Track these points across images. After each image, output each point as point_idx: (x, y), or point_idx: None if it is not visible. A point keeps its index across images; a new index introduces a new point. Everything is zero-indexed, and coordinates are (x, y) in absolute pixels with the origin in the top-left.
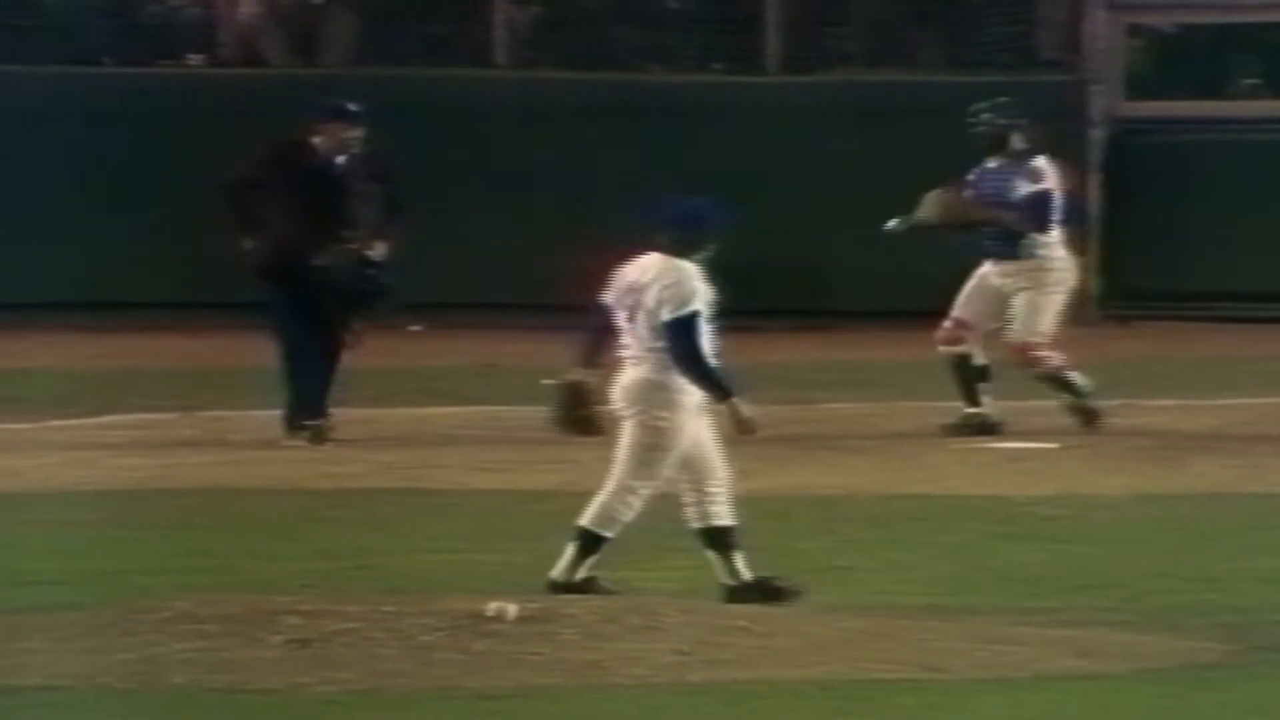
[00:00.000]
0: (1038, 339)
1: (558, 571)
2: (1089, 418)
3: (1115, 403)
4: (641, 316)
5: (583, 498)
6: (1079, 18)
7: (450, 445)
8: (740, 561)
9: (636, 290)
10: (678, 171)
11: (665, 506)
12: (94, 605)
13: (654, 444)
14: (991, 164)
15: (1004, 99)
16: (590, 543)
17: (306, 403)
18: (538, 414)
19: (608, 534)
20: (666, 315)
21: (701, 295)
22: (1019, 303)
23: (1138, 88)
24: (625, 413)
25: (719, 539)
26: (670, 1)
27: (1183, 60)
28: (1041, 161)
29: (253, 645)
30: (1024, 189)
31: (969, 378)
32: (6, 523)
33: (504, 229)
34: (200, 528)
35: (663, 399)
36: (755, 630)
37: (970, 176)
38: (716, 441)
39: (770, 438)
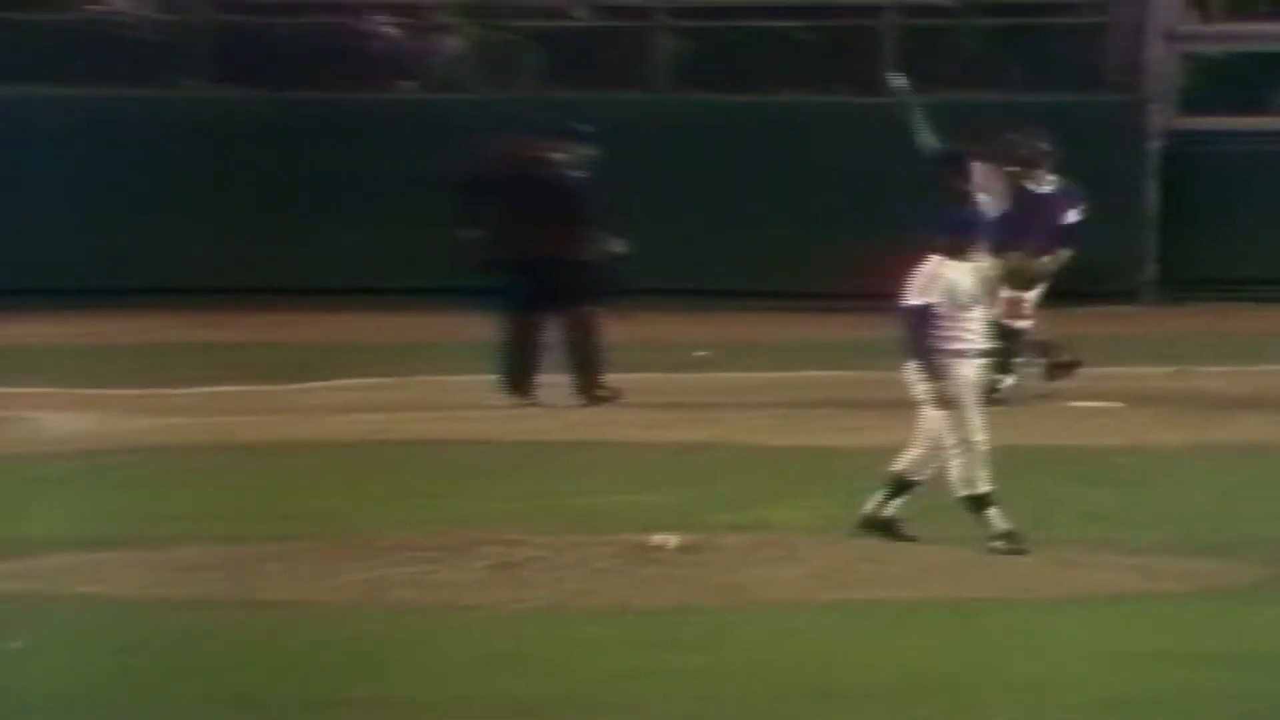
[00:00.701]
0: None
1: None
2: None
3: (1172, 369)
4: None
5: (730, 449)
6: (1140, 47)
7: (623, 408)
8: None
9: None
10: (802, 175)
11: (796, 459)
12: (327, 537)
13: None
14: (1033, 187)
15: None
16: (903, 487)
17: (512, 371)
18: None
19: (919, 479)
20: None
21: (945, 290)
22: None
23: (1190, 106)
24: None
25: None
26: (803, 34)
27: (1229, 82)
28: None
29: (460, 569)
30: (1070, 216)
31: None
32: (256, 469)
33: (679, 222)
34: (414, 473)
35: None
36: (875, 560)
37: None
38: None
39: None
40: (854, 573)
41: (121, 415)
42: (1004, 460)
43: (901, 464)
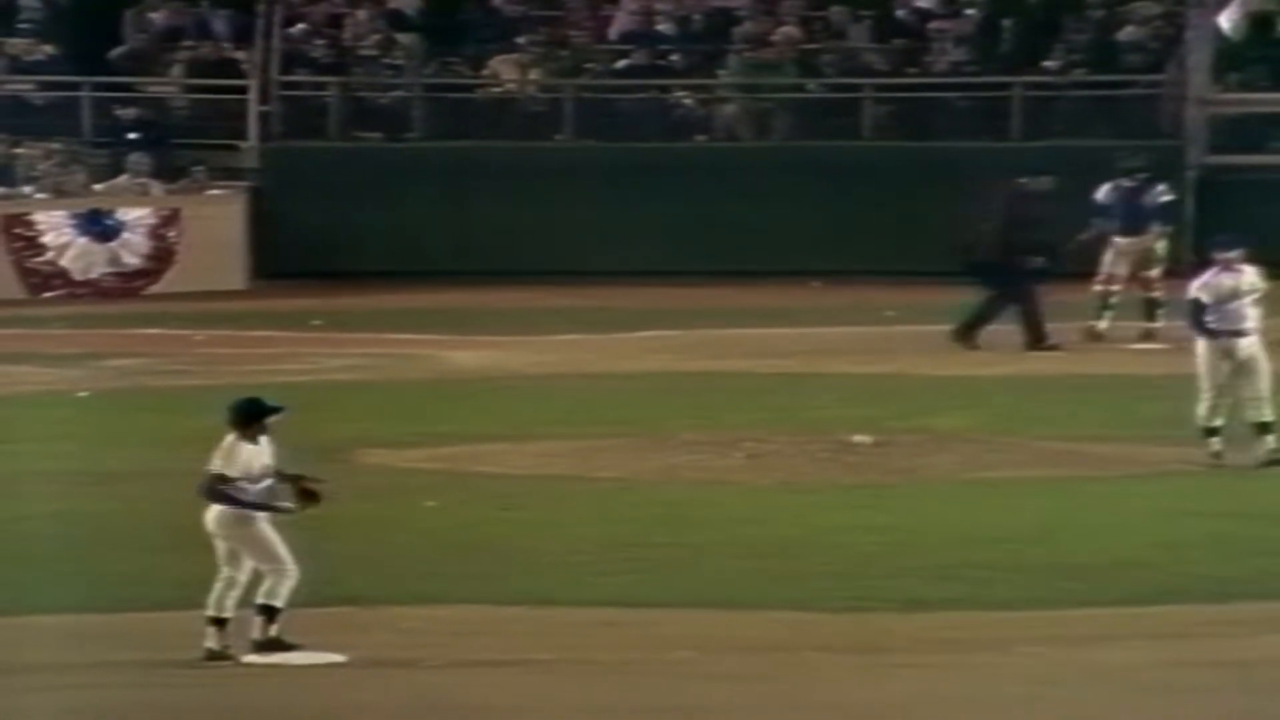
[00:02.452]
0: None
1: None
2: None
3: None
4: None
5: (905, 378)
6: (1181, 106)
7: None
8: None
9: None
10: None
11: (959, 387)
12: (641, 435)
13: None
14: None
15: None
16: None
17: (979, 323)
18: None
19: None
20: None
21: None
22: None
23: (1217, 149)
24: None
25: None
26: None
27: (1244, 132)
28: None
29: (726, 458)
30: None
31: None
32: (589, 389)
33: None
34: (696, 394)
35: None
36: (1000, 451)
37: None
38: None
39: (1007, 344)
40: (987, 460)
41: (505, 354)
42: (1085, 385)
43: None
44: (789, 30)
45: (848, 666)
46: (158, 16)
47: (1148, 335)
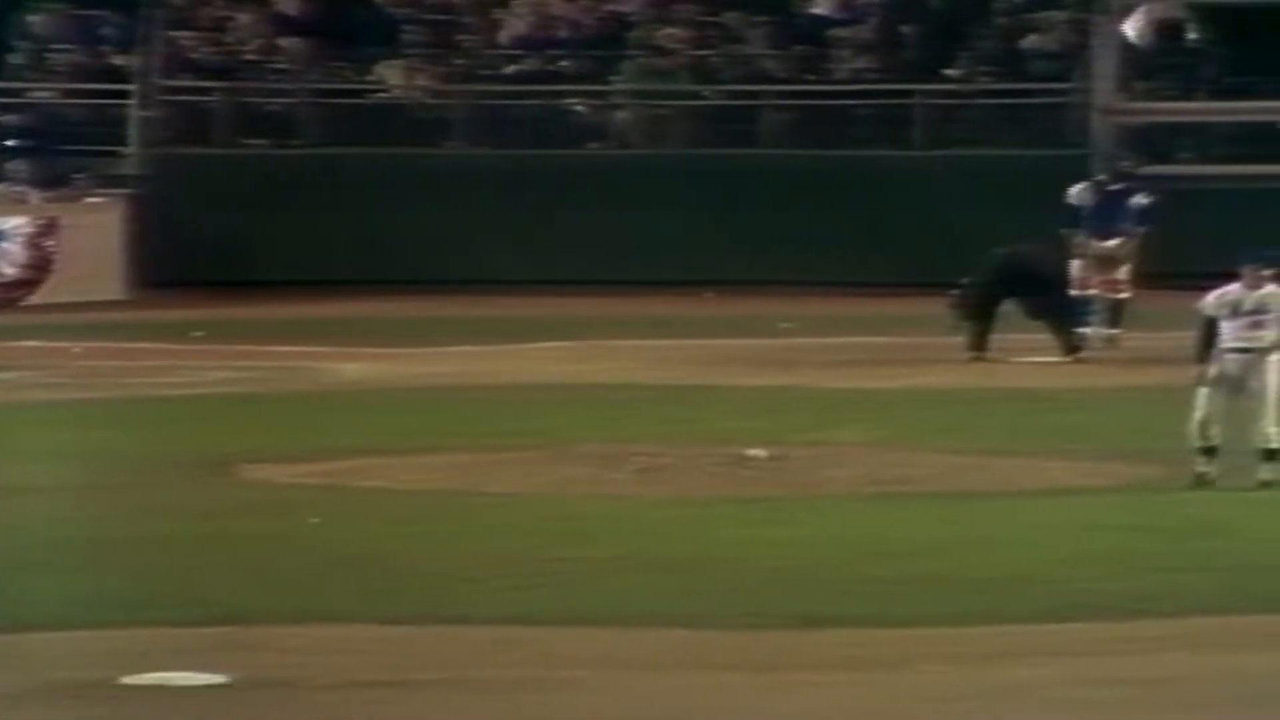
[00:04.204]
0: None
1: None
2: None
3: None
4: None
5: (804, 390)
6: (1087, 115)
7: (732, 362)
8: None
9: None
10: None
11: (849, 396)
12: (532, 449)
13: None
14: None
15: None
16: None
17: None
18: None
19: None
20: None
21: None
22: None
23: (1122, 157)
24: None
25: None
26: (859, 110)
27: (1151, 141)
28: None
29: (617, 471)
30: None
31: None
32: (488, 400)
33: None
34: (590, 405)
35: None
36: (902, 465)
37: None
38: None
39: (914, 357)
40: (888, 474)
41: (394, 366)
42: (989, 398)
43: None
44: (684, 36)
45: (744, 685)
46: (42, 22)
47: (1110, 342)
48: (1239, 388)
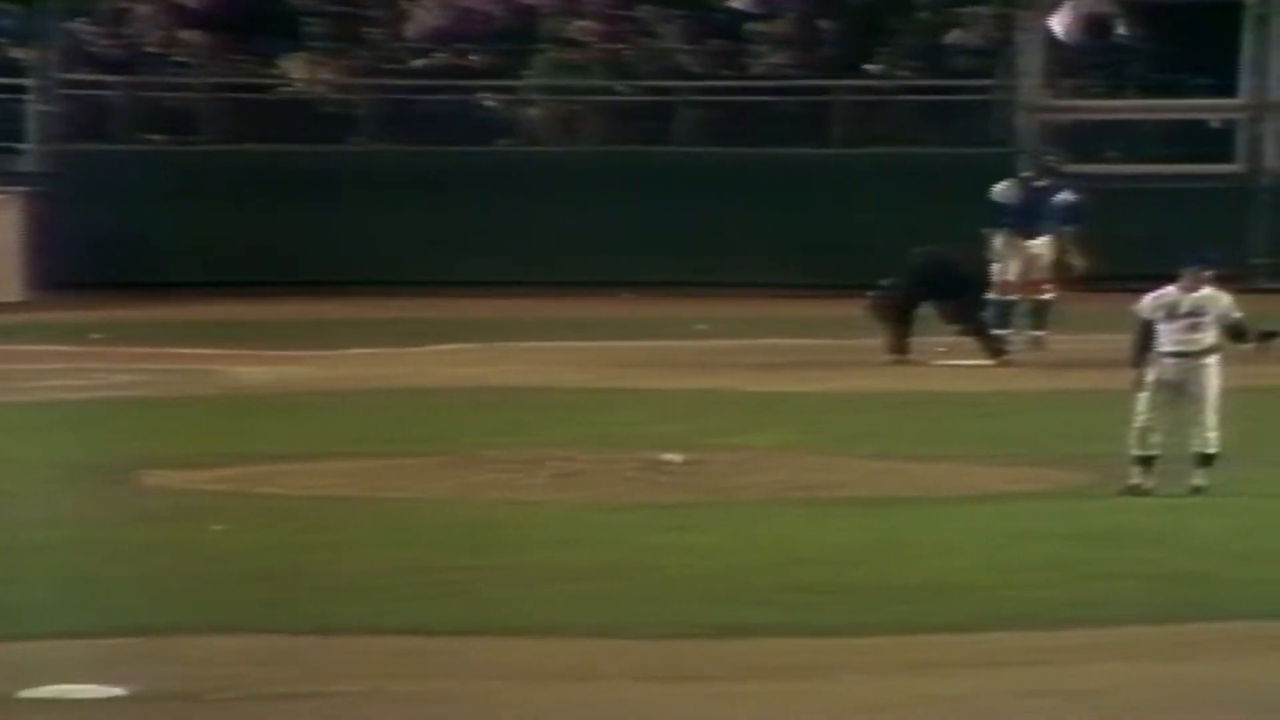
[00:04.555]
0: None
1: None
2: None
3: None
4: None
5: (721, 393)
6: (1012, 113)
7: (648, 364)
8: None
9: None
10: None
11: (779, 403)
12: (440, 453)
13: None
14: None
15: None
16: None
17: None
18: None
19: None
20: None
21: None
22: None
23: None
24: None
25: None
26: (776, 106)
27: (1078, 140)
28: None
29: (530, 476)
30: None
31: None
32: (404, 404)
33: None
34: (501, 409)
35: None
36: (822, 470)
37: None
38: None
39: (834, 360)
40: (807, 479)
41: (299, 369)
42: (911, 402)
43: None
44: (596, 29)
45: (659, 696)
46: None
47: (1036, 344)
48: (1179, 392)
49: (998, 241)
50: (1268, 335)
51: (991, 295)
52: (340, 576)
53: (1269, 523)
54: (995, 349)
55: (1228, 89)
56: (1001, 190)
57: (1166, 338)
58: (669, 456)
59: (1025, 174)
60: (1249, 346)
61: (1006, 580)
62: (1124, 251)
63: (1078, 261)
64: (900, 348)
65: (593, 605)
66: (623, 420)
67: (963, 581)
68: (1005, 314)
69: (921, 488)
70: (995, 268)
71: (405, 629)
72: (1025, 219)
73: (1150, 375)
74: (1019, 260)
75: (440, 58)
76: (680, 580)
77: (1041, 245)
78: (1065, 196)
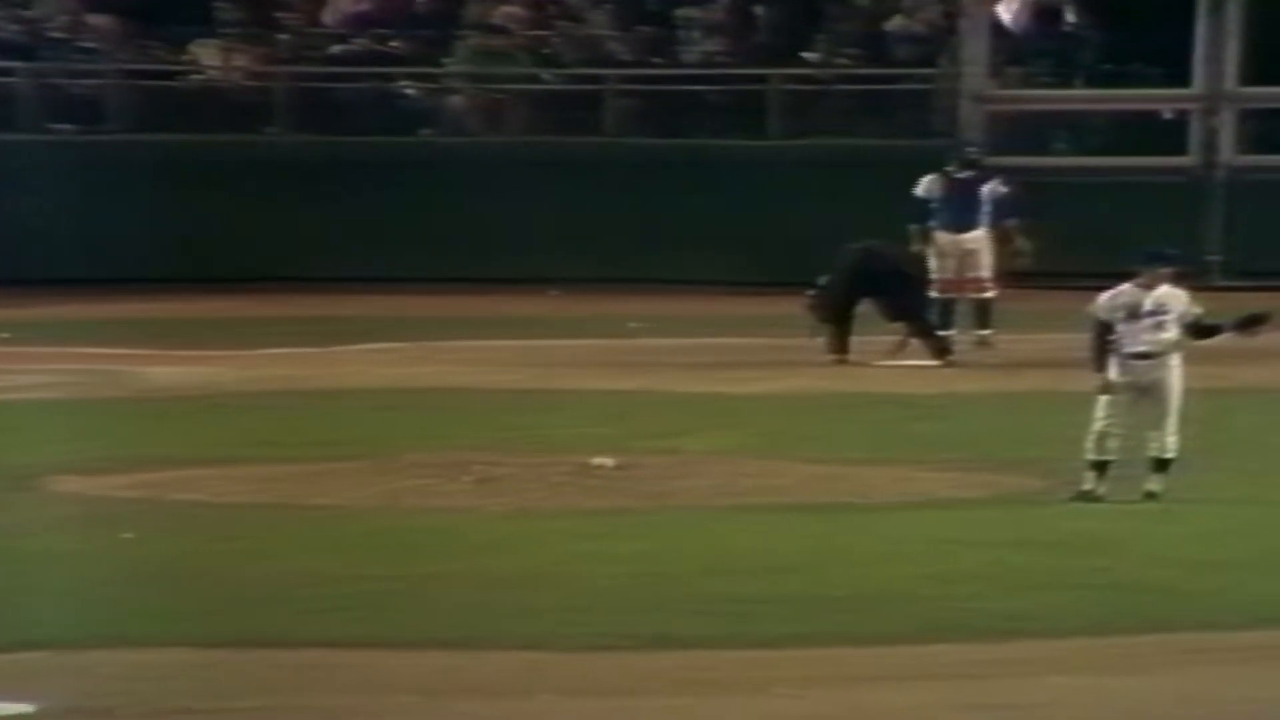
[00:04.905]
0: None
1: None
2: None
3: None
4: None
5: (654, 394)
6: (956, 103)
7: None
8: None
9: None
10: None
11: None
12: (360, 458)
13: None
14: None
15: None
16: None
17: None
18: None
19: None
20: None
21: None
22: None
23: (994, 148)
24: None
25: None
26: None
27: (1025, 132)
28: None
29: (453, 482)
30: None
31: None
32: (306, 407)
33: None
34: (425, 411)
35: None
36: (759, 475)
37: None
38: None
39: (773, 359)
40: (744, 484)
41: (212, 369)
42: (853, 404)
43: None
44: (521, 15)
45: (588, 710)
46: None
47: (981, 344)
48: (1141, 394)
49: (926, 238)
50: (1251, 321)
51: (932, 294)
52: (254, 587)
53: (1223, 530)
54: (940, 349)
55: (1181, 78)
56: (925, 186)
57: (1130, 338)
58: (599, 461)
59: (948, 168)
60: (1225, 337)
61: (949, 590)
62: (1073, 248)
63: (1027, 249)
64: (840, 347)
65: (517, 616)
66: (551, 423)
67: (904, 591)
68: (947, 313)
69: (863, 493)
70: (933, 265)
71: (319, 641)
72: (954, 214)
73: (1114, 376)
74: (954, 257)
75: (360, 44)
76: (610, 590)
77: (976, 240)
78: (996, 188)
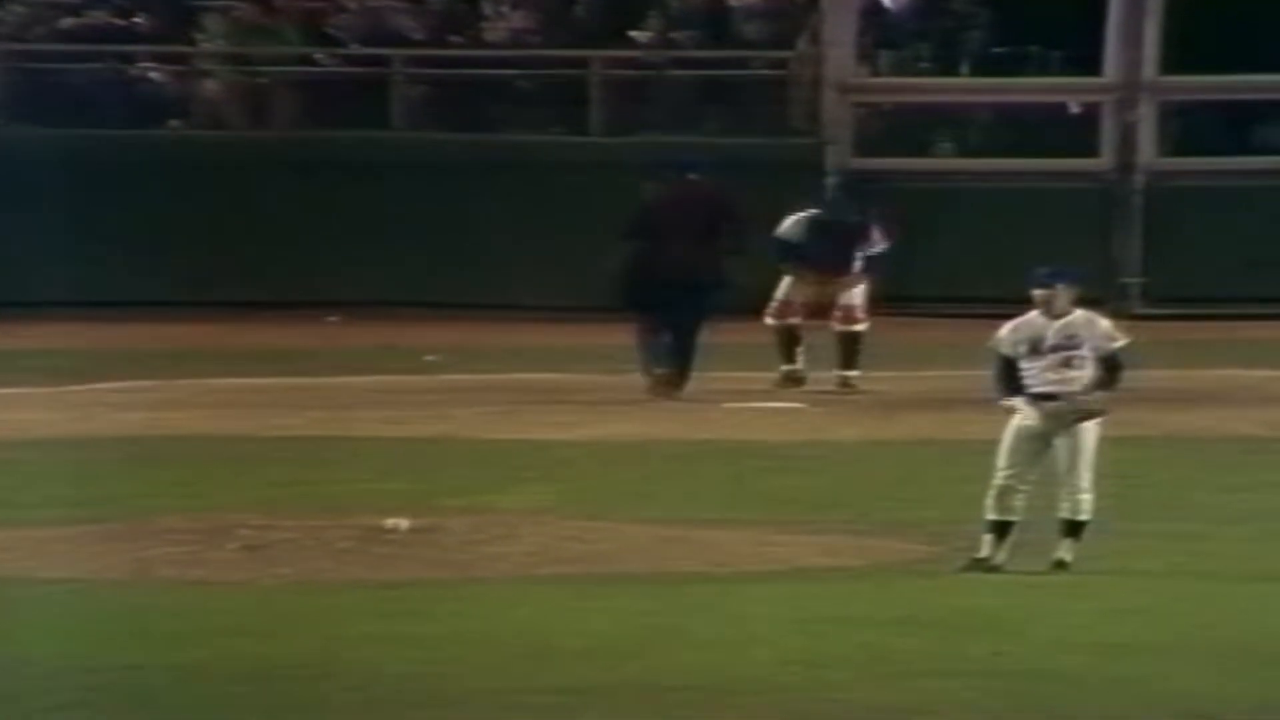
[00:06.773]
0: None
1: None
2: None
3: (853, 374)
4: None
5: (458, 442)
6: (817, 94)
7: (364, 405)
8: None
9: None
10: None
11: (530, 455)
12: (105, 520)
13: None
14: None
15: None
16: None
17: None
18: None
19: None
20: None
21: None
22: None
23: (865, 148)
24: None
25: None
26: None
27: (901, 128)
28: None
29: (217, 549)
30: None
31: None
32: (41, 460)
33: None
34: (181, 464)
35: None
36: (585, 539)
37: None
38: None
39: (601, 399)
40: (567, 550)
41: None
42: (699, 453)
43: None
44: None
45: None
46: None
47: (844, 385)
48: (1047, 443)
49: (798, 276)
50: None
51: (769, 320)
52: None
53: (1141, 607)
54: (671, 383)
55: (1090, 65)
56: (787, 229)
57: (1033, 378)
58: (391, 523)
59: (814, 212)
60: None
61: (816, 678)
62: (960, 269)
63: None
64: (666, 380)
65: (290, 711)
66: (334, 478)
67: (761, 679)
68: (787, 343)
69: (712, 561)
70: (781, 287)
71: None
72: (821, 258)
73: (1019, 421)
74: (813, 288)
75: (94, 17)
76: (399, 680)
77: (851, 279)
78: (869, 246)
